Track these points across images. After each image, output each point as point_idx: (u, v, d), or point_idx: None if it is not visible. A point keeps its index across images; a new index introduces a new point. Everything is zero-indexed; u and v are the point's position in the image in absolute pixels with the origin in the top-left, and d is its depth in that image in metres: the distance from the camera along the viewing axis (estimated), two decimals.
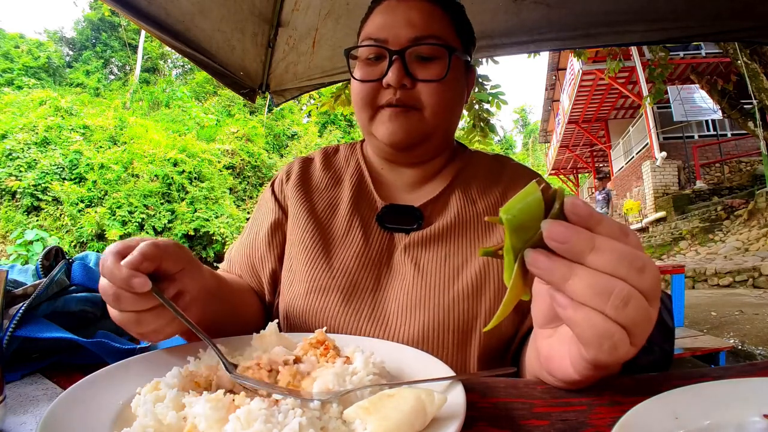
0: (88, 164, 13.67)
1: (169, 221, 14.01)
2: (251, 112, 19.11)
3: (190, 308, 0.54)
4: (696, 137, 11.72)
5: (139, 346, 0.59)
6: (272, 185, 0.91)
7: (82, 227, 12.51)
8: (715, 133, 11.77)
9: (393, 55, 0.73)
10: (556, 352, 0.43)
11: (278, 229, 0.84)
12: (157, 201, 14.13)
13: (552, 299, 0.37)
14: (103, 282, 0.49)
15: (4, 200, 12.71)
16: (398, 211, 0.81)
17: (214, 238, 14.15)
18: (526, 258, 0.36)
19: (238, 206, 15.68)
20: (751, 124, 7.86)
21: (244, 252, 0.84)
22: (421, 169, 0.85)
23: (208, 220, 14.28)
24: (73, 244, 12.38)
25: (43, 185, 12.81)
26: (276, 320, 0.52)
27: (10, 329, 0.53)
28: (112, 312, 0.51)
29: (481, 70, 4.31)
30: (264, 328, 0.78)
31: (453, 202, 0.81)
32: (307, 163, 0.92)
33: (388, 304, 0.71)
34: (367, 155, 0.90)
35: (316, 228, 0.80)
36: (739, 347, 3.76)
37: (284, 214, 0.85)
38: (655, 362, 0.59)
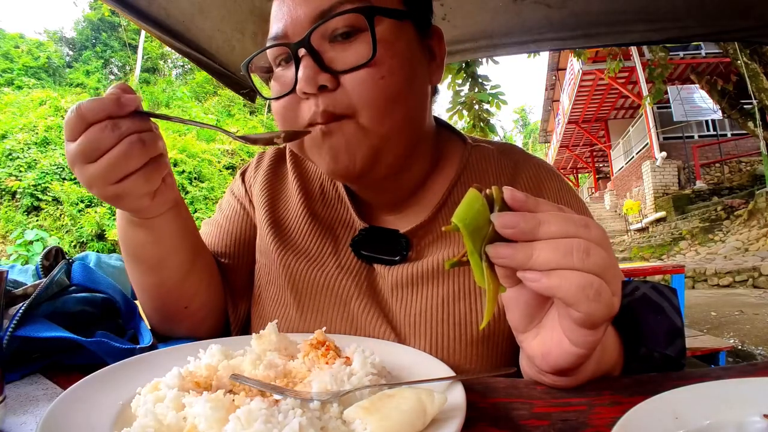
0: None
1: None
2: (251, 112, 19.10)
3: (172, 183, 0.56)
4: (696, 137, 11.73)
5: (138, 346, 0.59)
6: (243, 178, 0.80)
7: (82, 227, 12.50)
8: (715, 133, 11.77)
9: (296, 50, 0.53)
10: (550, 343, 0.43)
11: (250, 234, 0.75)
12: None
13: (524, 281, 0.39)
14: (89, 120, 0.45)
15: (4, 200, 12.71)
16: (379, 237, 0.65)
17: None
18: (489, 253, 0.39)
19: None
20: (751, 124, 7.87)
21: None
22: (401, 181, 0.66)
23: None
24: (73, 244, 12.37)
25: (43, 185, 12.80)
26: (275, 320, 0.52)
27: (10, 329, 0.52)
28: (104, 162, 0.46)
29: (481, 70, 4.30)
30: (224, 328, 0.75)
31: None
32: (279, 160, 0.79)
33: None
34: None
35: (282, 252, 0.68)
36: (739, 347, 3.76)
37: (254, 214, 0.76)
38: (656, 370, 0.52)
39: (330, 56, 0.54)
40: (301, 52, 0.53)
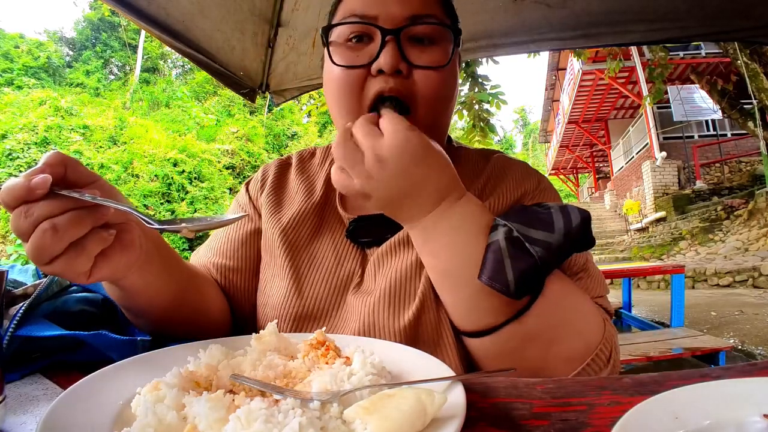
0: (88, 164, 13.66)
1: None
2: (251, 112, 19.09)
3: (128, 247, 0.50)
4: (696, 137, 11.72)
5: (139, 338, 0.59)
6: (247, 188, 0.85)
7: None
8: (715, 133, 11.77)
9: (386, 35, 0.61)
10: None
11: (254, 238, 0.79)
12: (157, 201, 14.13)
13: None
14: (9, 206, 0.43)
15: None
16: (371, 223, 0.72)
17: None
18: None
19: None
20: (751, 124, 7.88)
21: (214, 260, 0.78)
22: None
23: None
24: None
25: None
26: (275, 320, 0.52)
27: (11, 329, 0.52)
28: (28, 247, 0.43)
29: (481, 70, 4.31)
30: (231, 332, 0.76)
31: None
32: (283, 168, 0.86)
33: (352, 326, 0.65)
34: None
35: (286, 248, 0.73)
36: (739, 347, 3.76)
37: (260, 219, 0.80)
38: (535, 266, 0.51)
39: (409, 51, 0.63)
40: (388, 37, 0.61)
